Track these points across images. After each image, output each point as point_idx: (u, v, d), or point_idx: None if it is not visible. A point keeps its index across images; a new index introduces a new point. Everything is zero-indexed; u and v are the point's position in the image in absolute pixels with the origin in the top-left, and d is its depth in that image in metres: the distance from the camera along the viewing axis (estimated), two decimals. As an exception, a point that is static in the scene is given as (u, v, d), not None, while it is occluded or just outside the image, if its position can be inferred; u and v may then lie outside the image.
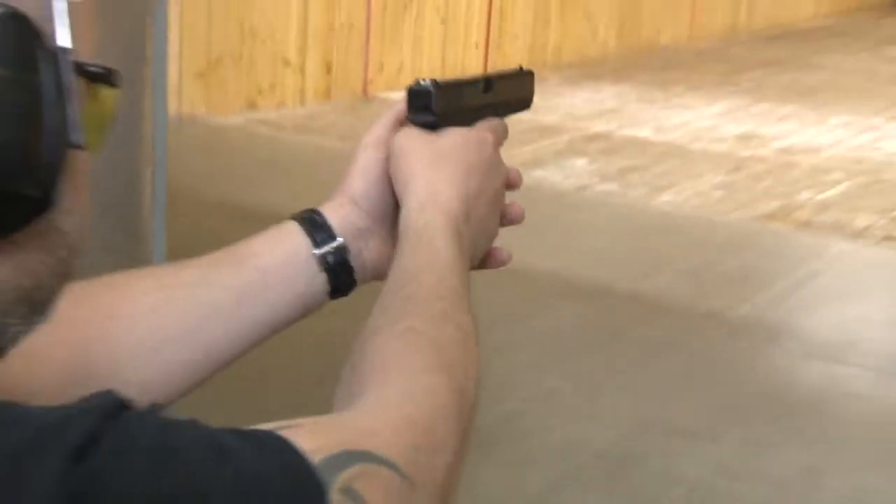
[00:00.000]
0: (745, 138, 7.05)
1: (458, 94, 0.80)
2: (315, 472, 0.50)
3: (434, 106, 0.78)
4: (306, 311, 0.81)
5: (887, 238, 5.31)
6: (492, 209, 0.82)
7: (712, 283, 4.50)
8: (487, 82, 0.82)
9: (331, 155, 6.16)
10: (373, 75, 7.64)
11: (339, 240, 0.80)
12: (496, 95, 0.83)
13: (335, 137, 6.57)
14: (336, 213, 0.81)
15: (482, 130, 0.82)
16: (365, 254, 0.81)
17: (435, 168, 0.78)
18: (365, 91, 7.60)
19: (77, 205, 0.54)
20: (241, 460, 0.48)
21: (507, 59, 8.44)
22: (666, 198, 5.64)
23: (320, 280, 0.80)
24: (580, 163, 6.13)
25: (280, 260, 0.79)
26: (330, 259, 0.80)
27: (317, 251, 0.79)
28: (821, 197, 5.88)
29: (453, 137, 0.80)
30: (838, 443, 3.33)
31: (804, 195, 5.86)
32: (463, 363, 0.68)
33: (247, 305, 0.78)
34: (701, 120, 7.52)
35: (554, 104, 7.26)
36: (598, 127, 7.01)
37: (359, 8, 7.44)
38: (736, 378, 3.67)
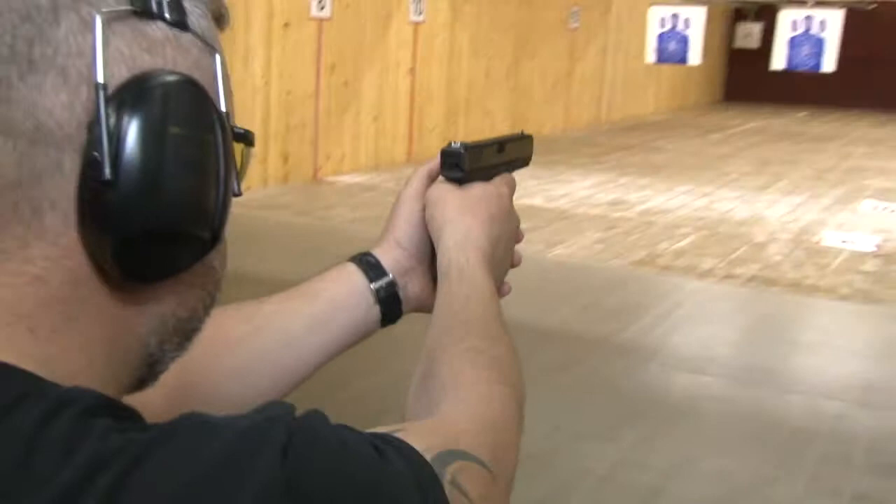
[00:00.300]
0: (614, 204, 7.18)
1: (480, 154, 0.78)
2: (432, 468, 0.47)
3: (464, 164, 0.76)
4: (362, 337, 0.78)
5: (727, 276, 5.42)
6: (507, 251, 0.79)
7: (599, 315, 4.52)
8: (500, 144, 0.80)
9: (288, 227, 6.11)
10: (321, 164, 7.62)
11: (389, 276, 0.77)
12: (507, 155, 0.81)
13: (291, 213, 6.54)
14: (385, 255, 0.77)
15: (499, 185, 0.79)
16: (409, 288, 0.78)
17: (465, 215, 0.75)
18: (315, 176, 7.56)
19: (223, 245, 0.51)
20: (391, 459, 0.45)
21: (426, 147, 8.50)
22: (558, 251, 5.69)
23: (375, 311, 0.76)
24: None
25: (343, 293, 0.76)
26: (382, 293, 0.76)
27: (372, 286, 0.76)
28: (675, 247, 5.99)
29: (478, 190, 0.77)
30: (705, 436, 3.37)
31: (663, 246, 5.97)
32: (515, 375, 0.66)
33: (318, 331, 0.75)
34: (579, 191, 7.64)
35: (465, 182, 7.28)
36: (501, 198, 7.08)
37: (309, 111, 7.44)
38: (624, 389, 3.67)
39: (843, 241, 6.50)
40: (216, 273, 0.52)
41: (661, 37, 8.62)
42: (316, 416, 0.45)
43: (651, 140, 11.04)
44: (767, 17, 16.04)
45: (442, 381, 0.63)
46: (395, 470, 0.45)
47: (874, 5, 11.77)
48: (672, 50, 8.50)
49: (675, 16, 8.49)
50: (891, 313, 5.02)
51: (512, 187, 0.80)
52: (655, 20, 8.70)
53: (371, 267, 0.77)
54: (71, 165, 0.43)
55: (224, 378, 0.72)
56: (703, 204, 7.43)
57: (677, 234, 6.32)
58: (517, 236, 0.83)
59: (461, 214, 0.75)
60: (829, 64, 8.41)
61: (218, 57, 0.49)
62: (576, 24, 12.14)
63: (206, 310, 0.52)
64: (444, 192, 0.76)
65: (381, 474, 0.44)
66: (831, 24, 8.49)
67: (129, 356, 0.49)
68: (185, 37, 0.47)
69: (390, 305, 0.77)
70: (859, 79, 14.88)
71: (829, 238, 6.60)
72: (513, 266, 0.83)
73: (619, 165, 8.99)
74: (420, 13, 8.45)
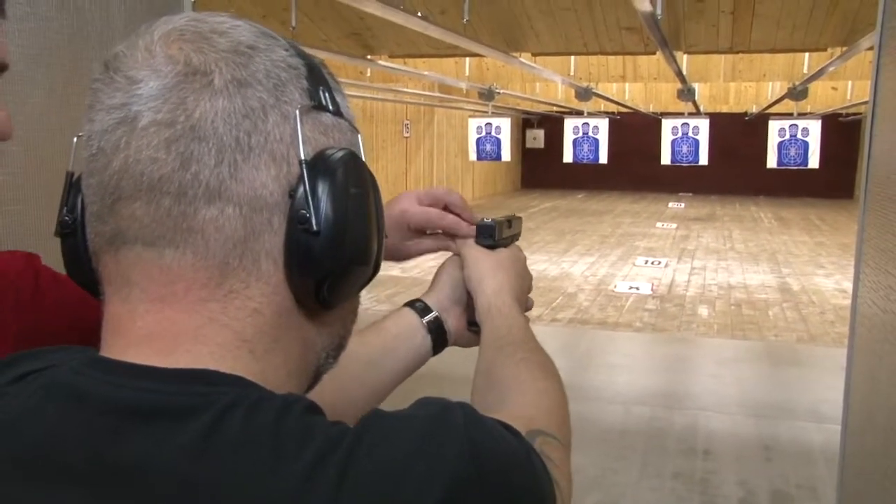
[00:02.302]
0: (457, 270, 7.34)
1: (502, 228, 0.81)
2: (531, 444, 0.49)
3: (496, 235, 0.79)
4: (421, 362, 0.78)
5: (552, 320, 5.68)
6: (526, 298, 0.82)
7: (462, 358, 4.59)
8: (509, 222, 0.83)
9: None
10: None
11: (435, 313, 0.78)
12: (513, 229, 0.84)
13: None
14: (430, 298, 0.80)
15: (518, 251, 0.82)
16: (449, 322, 0.79)
17: (499, 272, 0.77)
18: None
19: None
20: (517, 439, 0.47)
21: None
22: (421, 310, 5.75)
23: (428, 340, 0.78)
24: (362, 293, 6.14)
25: (404, 327, 0.77)
26: (432, 325, 0.78)
27: (424, 320, 0.78)
28: (509, 300, 6.19)
29: (505, 255, 0.79)
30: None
31: (499, 300, 6.16)
32: (556, 372, 0.69)
33: (390, 357, 0.76)
34: (427, 261, 7.69)
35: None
36: (366, 272, 7.08)
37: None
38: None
39: (630, 288, 6.96)
40: (359, 299, 0.54)
41: (479, 140, 9.03)
42: (468, 405, 0.47)
43: (474, 220, 11.39)
44: (547, 125, 17.18)
45: (506, 384, 0.66)
46: (527, 444, 0.48)
47: (619, 116, 12.91)
48: (489, 150, 8.93)
49: (488, 124, 8.94)
50: (671, 338, 5.42)
51: (524, 255, 0.85)
52: (473, 128, 9.11)
53: (420, 308, 0.79)
54: (279, 223, 0.45)
55: (331, 394, 0.72)
56: (523, 266, 7.76)
57: (509, 290, 6.54)
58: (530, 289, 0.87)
59: (495, 272, 0.78)
60: (603, 157, 9.08)
61: (359, 136, 0.51)
62: (408, 134, 12.51)
63: (352, 329, 0.54)
64: (480, 254, 0.80)
65: (522, 448, 0.47)
66: (602, 128, 9.18)
67: (310, 368, 0.50)
68: (343, 122, 0.49)
69: (438, 335, 0.79)
70: (622, 167, 16.12)
71: (620, 286, 7.05)
72: (527, 310, 0.86)
73: (454, 241, 9.22)
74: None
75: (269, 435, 0.41)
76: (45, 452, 0.42)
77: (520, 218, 0.89)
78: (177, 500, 0.39)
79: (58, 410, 0.43)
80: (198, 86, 0.43)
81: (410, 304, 0.80)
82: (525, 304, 0.83)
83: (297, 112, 0.45)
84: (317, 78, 0.48)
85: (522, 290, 0.81)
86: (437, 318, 0.79)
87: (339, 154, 0.47)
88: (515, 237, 0.86)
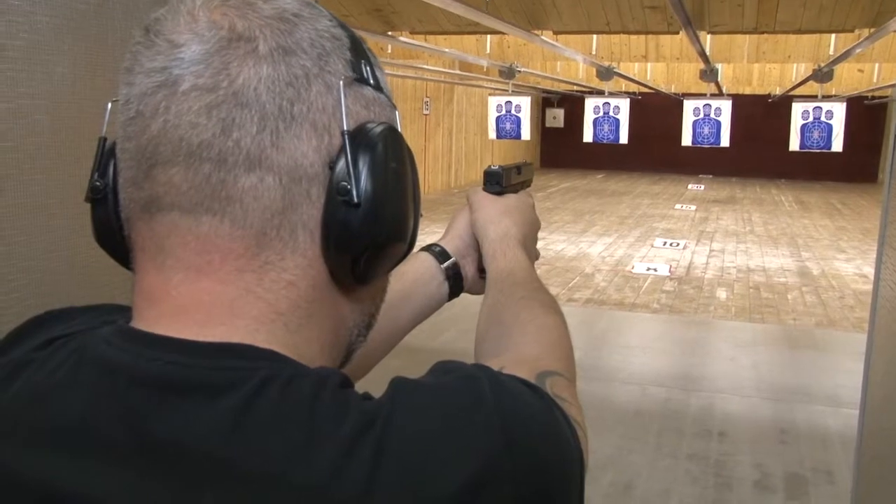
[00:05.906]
0: (474, 249, 7.34)
1: (510, 175, 0.81)
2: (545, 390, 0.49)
3: (503, 181, 0.79)
4: (436, 307, 0.78)
5: (569, 300, 5.67)
6: (533, 245, 0.82)
7: (479, 336, 4.61)
8: (518, 168, 0.83)
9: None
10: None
11: (453, 259, 0.78)
12: (523, 176, 0.84)
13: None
14: (448, 244, 0.79)
15: (526, 197, 0.82)
16: (466, 269, 0.80)
17: (505, 217, 0.77)
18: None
19: None
20: (536, 394, 0.47)
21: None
22: (438, 288, 5.76)
23: (445, 286, 0.78)
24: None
25: (422, 272, 0.77)
26: (449, 271, 0.78)
27: (442, 266, 0.78)
28: (526, 280, 6.19)
29: (512, 200, 0.80)
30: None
31: (516, 280, 6.15)
32: (557, 306, 0.69)
33: (407, 302, 0.76)
34: (445, 240, 7.75)
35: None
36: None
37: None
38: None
39: (648, 269, 6.94)
40: (388, 278, 0.53)
41: (498, 119, 8.97)
42: (489, 369, 0.46)
43: (492, 199, 11.37)
44: (567, 104, 17.03)
45: (507, 325, 0.65)
46: (545, 397, 0.47)
47: (640, 96, 12.77)
48: (508, 129, 8.86)
49: (508, 102, 8.87)
50: (688, 321, 5.40)
51: (533, 201, 0.85)
52: (493, 106, 9.04)
53: (438, 253, 0.79)
54: (317, 195, 0.44)
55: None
56: (540, 245, 7.64)
57: (526, 270, 6.54)
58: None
59: (501, 216, 0.78)
60: (623, 137, 8.99)
61: (397, 113, 0.51)
62: (428, 111, 12.46)
63: (381, 308, 0.53)
64: (487, 200, 0.80)
65: (544, 404, 0.46)
66: (623, 108, 9.08)
67: (342, 345, 0.49)
68: (383, 97, 0.49)
69: (455, 281, 0.79)
70: (641, 148, 15.98)
71: (638, 267, 7.03)
72: (535, 259, 0.85)
73: (472, 220, 9.21)
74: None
75: (304, 412, 0.40)
76: (81, 426, 0.42)
77: (530, 165, 0.88)
78: (212, 477, 0.39)
79: (91, 383, 0.43)
80: (242, 52, 0.43)
81: (428, 248, 0.80)
82: (532, 251, 0.82)
83: (341, 83, 0.45)
84: (359, 51, 0.47)
85: (529, 235, 0.80)
86: (455, 265, 0.79)
87: (380, 128, 0.46)
88: (526, 184, 0.85)
